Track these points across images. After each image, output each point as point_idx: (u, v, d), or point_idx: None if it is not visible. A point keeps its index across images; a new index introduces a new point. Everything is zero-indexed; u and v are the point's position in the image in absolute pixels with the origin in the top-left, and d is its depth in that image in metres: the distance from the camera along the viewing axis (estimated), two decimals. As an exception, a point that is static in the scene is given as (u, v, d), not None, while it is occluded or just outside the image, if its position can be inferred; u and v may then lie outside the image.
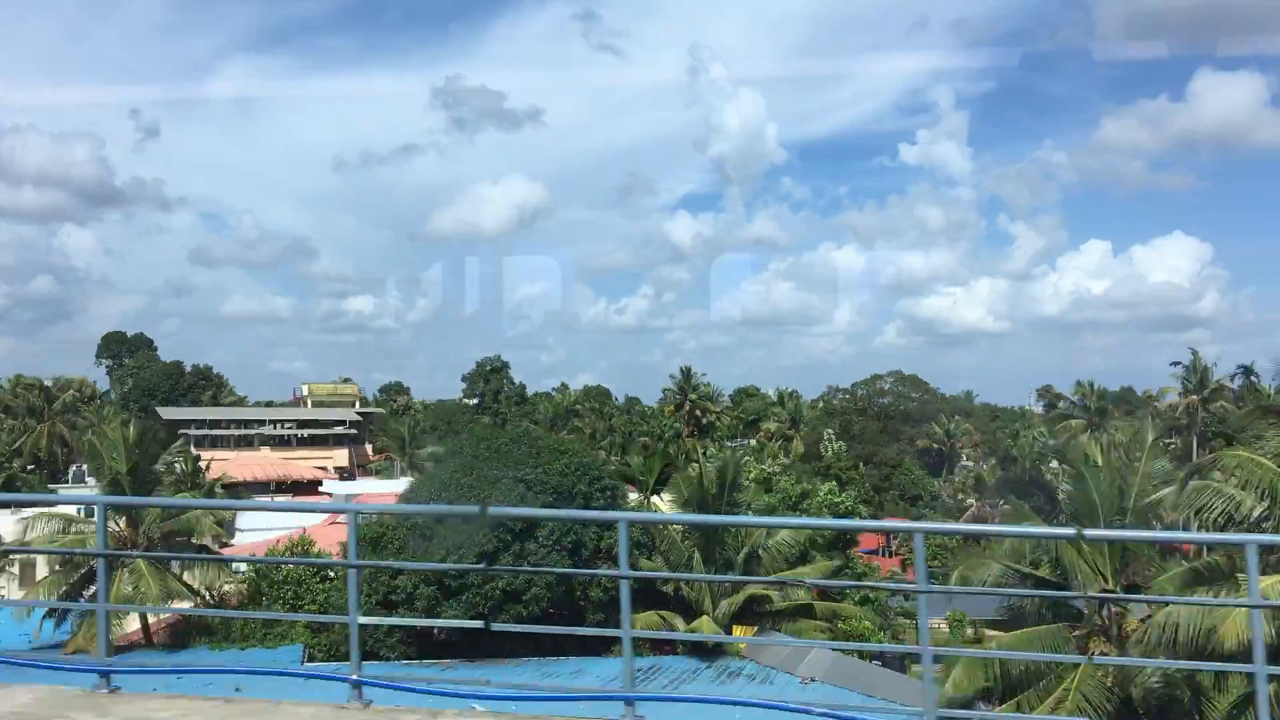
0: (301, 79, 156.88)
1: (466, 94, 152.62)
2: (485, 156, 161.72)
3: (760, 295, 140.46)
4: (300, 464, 79.78)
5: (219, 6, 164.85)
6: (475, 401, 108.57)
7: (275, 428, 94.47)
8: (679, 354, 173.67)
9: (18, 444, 79.47)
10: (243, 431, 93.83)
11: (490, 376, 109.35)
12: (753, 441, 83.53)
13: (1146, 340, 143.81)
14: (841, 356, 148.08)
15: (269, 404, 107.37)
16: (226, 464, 70.47)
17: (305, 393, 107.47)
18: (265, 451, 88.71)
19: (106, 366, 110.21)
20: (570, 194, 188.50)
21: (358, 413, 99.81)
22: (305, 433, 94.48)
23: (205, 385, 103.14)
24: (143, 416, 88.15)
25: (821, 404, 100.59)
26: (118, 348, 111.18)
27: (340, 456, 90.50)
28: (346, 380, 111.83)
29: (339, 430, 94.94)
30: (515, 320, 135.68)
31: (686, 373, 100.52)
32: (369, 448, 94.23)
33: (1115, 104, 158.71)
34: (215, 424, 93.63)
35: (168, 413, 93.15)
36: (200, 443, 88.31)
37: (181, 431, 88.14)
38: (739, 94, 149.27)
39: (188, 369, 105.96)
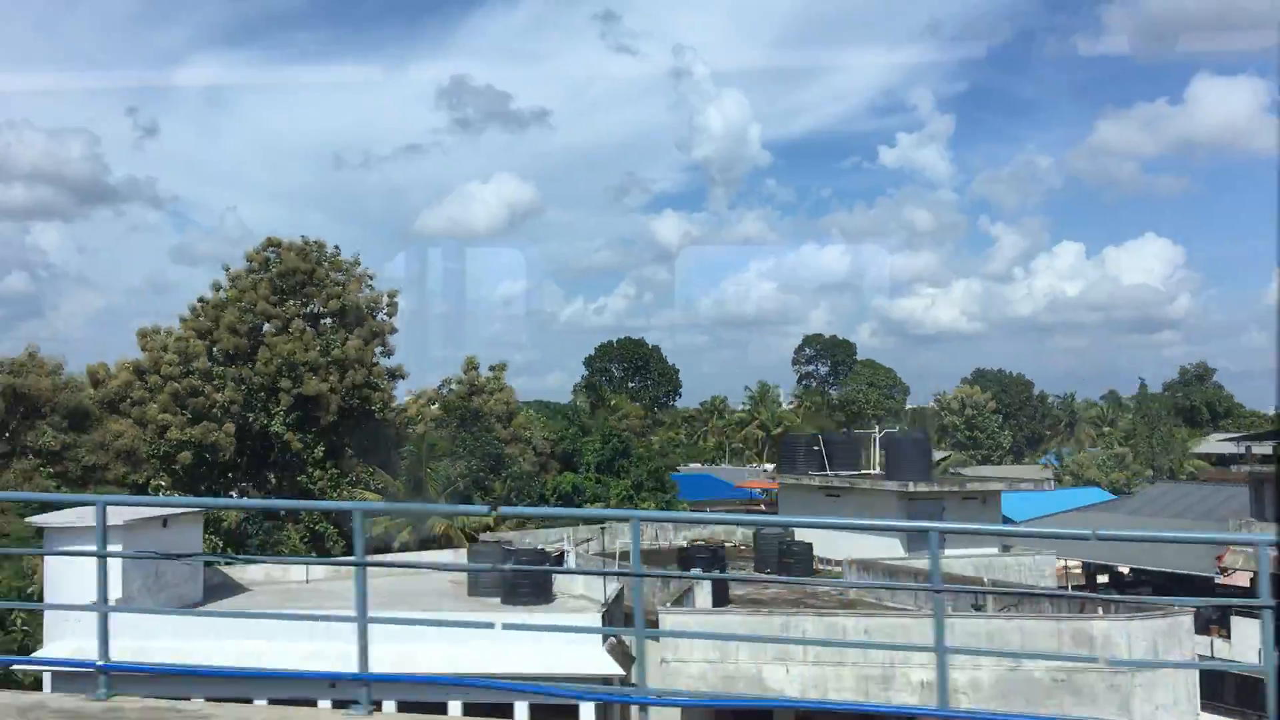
0: (273, 73, 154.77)
1: (450, 90, 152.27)
2: (469, 154, 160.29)
3: (738, 295, 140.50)
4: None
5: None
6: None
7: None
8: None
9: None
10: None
11: (1194, 382, 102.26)
12: None
13: (1118, 341, 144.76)
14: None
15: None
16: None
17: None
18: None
19: (802, 371, 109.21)
20: (550, 192, 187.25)
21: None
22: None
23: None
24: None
25: None
26: (828, 349, 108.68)
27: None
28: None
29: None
30: (492, 319, 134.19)
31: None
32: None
33: (1094, 106, 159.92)
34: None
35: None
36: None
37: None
38: (720, 94, 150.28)
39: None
